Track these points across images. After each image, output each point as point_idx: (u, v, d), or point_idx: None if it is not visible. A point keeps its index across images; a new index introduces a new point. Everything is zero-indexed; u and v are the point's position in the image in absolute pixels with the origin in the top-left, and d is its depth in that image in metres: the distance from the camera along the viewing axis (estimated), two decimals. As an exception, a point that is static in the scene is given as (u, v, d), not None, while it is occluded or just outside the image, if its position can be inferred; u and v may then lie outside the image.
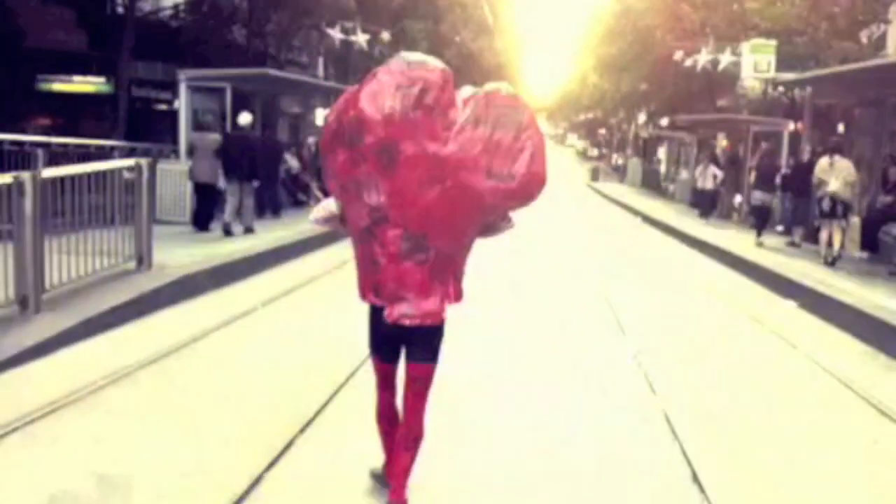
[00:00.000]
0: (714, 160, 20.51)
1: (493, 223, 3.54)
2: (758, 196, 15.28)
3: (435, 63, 3.34)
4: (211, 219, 12.37)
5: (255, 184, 12.52)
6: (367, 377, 3.89)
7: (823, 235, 12.01)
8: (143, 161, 8.34)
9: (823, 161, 12.05)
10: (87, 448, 4.42)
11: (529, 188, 3.33)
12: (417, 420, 3.55)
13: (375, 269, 3.38)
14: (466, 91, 3.40)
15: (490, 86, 3.41)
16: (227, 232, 11.78)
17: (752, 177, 16.03)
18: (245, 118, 12.36)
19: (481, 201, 3.29)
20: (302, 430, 4.73)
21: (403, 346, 3.56)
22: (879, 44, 22.58)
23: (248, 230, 12.20)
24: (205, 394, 5.44)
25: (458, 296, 3.50)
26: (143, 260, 8.37)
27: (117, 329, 6.72)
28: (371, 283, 3.43)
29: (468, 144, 3.22)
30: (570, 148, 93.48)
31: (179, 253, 9.59)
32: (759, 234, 14.61)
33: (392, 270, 3.34)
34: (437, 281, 3.38)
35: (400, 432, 3.58)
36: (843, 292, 9.23)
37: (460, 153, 3.22)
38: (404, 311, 3.37)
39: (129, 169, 8.26)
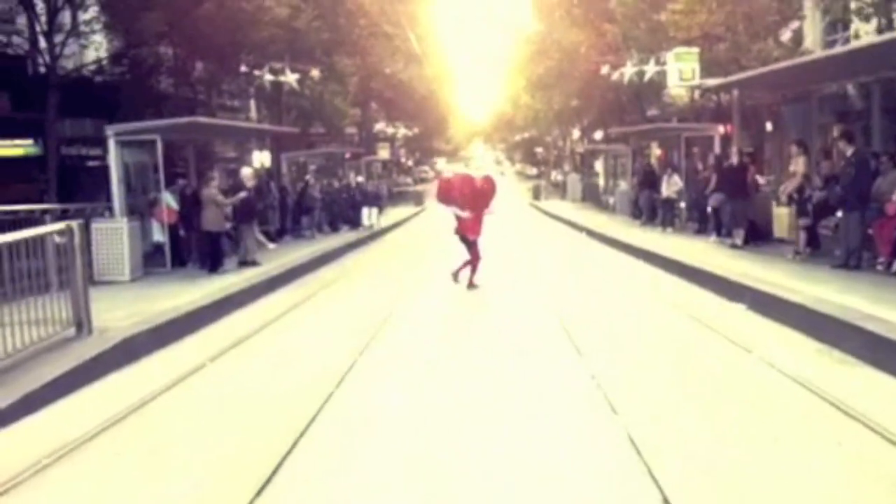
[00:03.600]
0: (674, 169, 20.73)
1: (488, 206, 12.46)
2: (716, 198, 15.68)
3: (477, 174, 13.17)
4: (220, 262, 13.80)
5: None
6: (318, 442, 3.71)
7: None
8: (74, 224, 8.08)
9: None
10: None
11: (494, 192, 12.63)
12: (476, 255, 12.21)
13: (460, 223, 12.21)
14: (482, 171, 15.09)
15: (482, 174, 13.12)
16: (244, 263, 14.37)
17: (712, 181, 16.32)
18: (245, 171, 15.51)
19: (487, 198, 12.30)
20: (259, 493, 4.57)
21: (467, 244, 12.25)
22: (797, 40, 23.28)
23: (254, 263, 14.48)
24: (152, 464, 5.21)
25: (480, 231, 12.35)
26: (82, 325, 8.10)
27: (59, 402, 6.45)
28: (459, 227, 12.29)
29: (486, 186, 12.42)
30: (508, 171, 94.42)
31: (121, 313, 9.31)
32: (728, 235, 15.01)
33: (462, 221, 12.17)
34: (477, 224, 12.21)
35: (471, 260, 12.19)
36: (790, 290, 9.35)
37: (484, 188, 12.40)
38: (464, 231, 12.20)
39: (60, 233, 8.00)
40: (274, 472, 4.86)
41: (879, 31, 15.55)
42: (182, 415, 6.31)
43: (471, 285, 12.24)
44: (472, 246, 12.25)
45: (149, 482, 4.87)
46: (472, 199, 12.23)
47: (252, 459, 5.12)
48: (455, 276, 12.37)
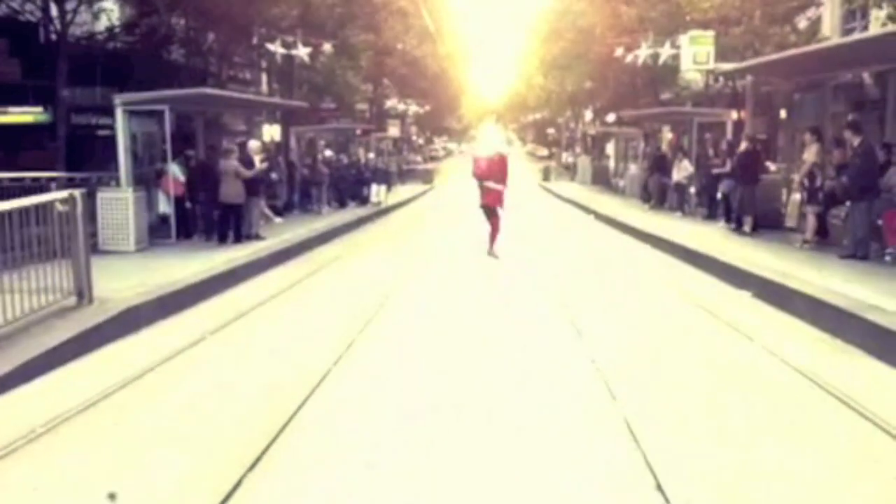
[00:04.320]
0: (685, 153, 20.56)
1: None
2: (726, 184, 15.75)
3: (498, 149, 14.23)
4: (232, 232, 14.03)
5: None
6: (318, 411, 3.67)
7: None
8: (77, 192, 8.04)
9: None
10: (25, 499, 4.25)
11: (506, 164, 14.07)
12: (496, 226, 13.84)
13: (482, 191, 13.80)
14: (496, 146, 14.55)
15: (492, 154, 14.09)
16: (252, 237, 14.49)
17: (727, 166, 16.19)
18: (253, 143, 15.40)
19: (504, 168, 13.82)
20: (251, 468, 4.56)
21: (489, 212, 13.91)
22: (814, 27, 23.02)
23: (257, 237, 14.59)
24: (148, 436, 5.20)
25: (502, 200, 13.93)
26: (83, 295, 8.09)
27: (56, 371, 6.45)
28: (482, 196, 13.83)
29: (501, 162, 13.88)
30: (521, 150, 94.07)
31: (123, 284, 9.31)
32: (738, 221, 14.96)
33: (485, 190, 13.74)
34: (496, 194, 13.79)
35: (492, 229, 13.79)
36: (796, 279, 9.27)
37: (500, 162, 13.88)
38: (487, 202, 13.79)
39: (63, 201, 7.97)
40: (265, 450, 4.85)
41: (890, 17, 15.29)
42: (178, 387, 6.30)
43: (490, 253, 13.72)
44: (494, 216, 13.88)
45: (144, 452, 4.87)
46: (492, 172, 13.75)
47: (247, 435, 5.11)
48: (490, 251, 13.79)
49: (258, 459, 4.68)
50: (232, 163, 13.87)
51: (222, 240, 13.86)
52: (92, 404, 5.72)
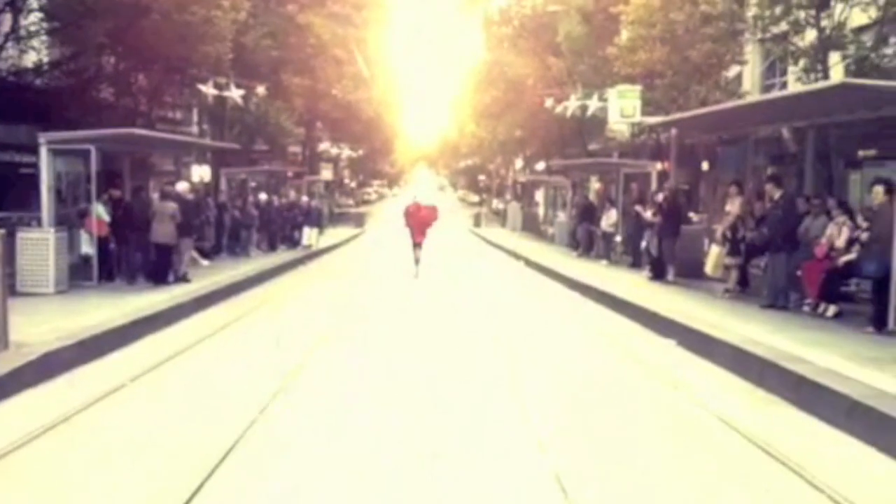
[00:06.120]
0: (612, 203, 20.98)
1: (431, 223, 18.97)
2: (650, 234, 16.05)
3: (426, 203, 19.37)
4: (167, 273, 14.16)
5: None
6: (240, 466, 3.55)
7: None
8: (-4, 233, 7.79)
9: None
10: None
11: (436, 214, 19.02)
12: (419, 251, 18.90)
13: (414, 234, 18.72)
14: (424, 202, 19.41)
15: (426, 204, 19.13)
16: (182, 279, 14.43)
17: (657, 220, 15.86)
18: (181, 185, 15.73)
19: (433, 217, 18.74)
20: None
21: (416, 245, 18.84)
22: (736, 83, 23.91)
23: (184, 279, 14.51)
24: (63, 486, 4.99)
25: (424, 239, 19.04)
26: (-2, 339, 7.78)
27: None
28: (413, 235, 18.77)
29: (428, 213, 18.70)
30: (452, 196, 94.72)
31: (42, 328, 8.98)
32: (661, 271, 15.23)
33: (416, 232, 18.68)
34: (422, 234, 18.82)
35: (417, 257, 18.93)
36: (719, 329, 9.49)
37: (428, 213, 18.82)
38: (418, 240, 18.66)
39: (-20, 242, 7.69)
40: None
41: (805, 70, 15.97)
42: (97, 435, 6.06)
43: (415, 275, 18.24)
44: (418, 246, 18.88)
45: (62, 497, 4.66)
46: (420, 220, 18.77)
47: (169, 483, 4.94)
48: (415, 276, 18.24)
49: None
50: (171, 204, 14.11)
51: (162, 280, 13.98)
52: (2, 455, 5.46)
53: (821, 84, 13.48)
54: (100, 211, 14.14)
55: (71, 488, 4.96)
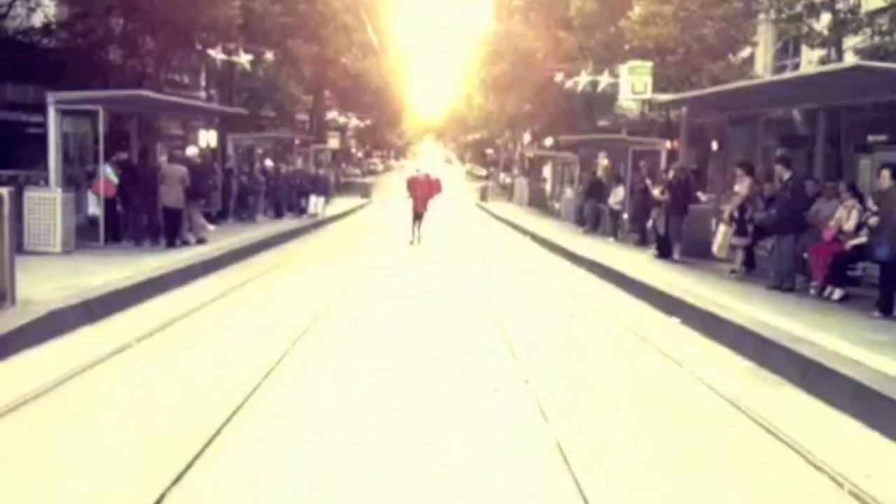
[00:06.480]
0: (619, 180, 20.92)
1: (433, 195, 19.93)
2: (657, 211, 15.92)
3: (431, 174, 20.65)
4: (176, 236, 14.24)
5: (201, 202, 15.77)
6: (245, 430, 3.76)
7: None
8: (3, 190, 7.79)
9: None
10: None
11: (440, 187, 20.21)
12: (420, 223, 19.57)
13: (416, 203, 19.49)
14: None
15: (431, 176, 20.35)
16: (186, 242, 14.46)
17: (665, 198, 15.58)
18: (191, 150, 16.11)
19: (437, 189, 19.94)
20: (174, 483, 4.43)
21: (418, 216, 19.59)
22: (748, 64, 23.75)
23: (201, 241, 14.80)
24: (67, 445, 5.02)
25: (426, 209, 19.78)
26: (5, 296, 7.81)
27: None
28: (416, 205, 19.52)
29: (433, 184, 19.89)
30: (460, 169, 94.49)
31: (48, 286, 9.01)
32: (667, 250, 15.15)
33: (419, 203, 19.47)
34: (424, 205, 19.56)
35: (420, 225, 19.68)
36: (723, 308, 9.49)
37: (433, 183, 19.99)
38: (420, 210, 19.37)
39: (-12, 199, 7.70)
40: (187, 467, 4.74)
41: (822, 62, 15.92)
42: (102, 393, 6.10)
43: (418, 241, 19.37)
44: (420, 218, 19.56)
45: (61, 461, 4.69)
46: (423, 191, 19.60)
47: (168, 450, 4.97)
48: (411, 242, 19.31)
49: (179, 476, 4.51)
50: (180, 168, 14.19)
51: (171, 244, 14.06)
52: (11, 409, 5.50)
53: (834, 65, 13.38)
54: (108, 173, 14.13)
55: (66, 448, 5.00)
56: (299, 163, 29.57)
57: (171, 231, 14.27)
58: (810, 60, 17.65)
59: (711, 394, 6.76)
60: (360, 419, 5.67)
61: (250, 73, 28.27)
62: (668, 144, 21.08)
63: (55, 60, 19.31)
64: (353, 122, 60.83)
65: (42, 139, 13.91)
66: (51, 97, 13.42)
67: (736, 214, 12.98)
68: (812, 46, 16.48)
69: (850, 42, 15.81)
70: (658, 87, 23.04)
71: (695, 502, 4.55)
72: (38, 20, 20.85)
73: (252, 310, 10.21)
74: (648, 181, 17.61)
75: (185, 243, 14.37)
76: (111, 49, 22.80)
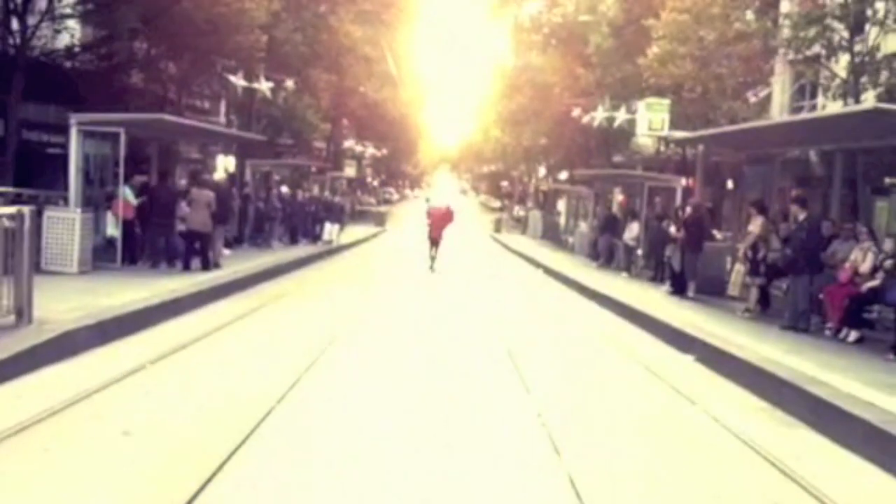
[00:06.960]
0: (634, 216, 20.97)
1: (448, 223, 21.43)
2: (671, 248, 16.01)
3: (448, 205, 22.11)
4: (193, 260, 14.28)
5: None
6: (256, 455, 3.72)
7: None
8: (25, 209, 7.88)
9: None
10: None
11: (452, 217, 21.64)
12: (436, 248, 20.94)
13: (432, 230, 20.92)
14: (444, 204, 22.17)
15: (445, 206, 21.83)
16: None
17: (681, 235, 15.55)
18: (218, 175, 16.84)
19: (450, 219, 21.30)
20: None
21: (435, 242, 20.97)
22: (765, 104, 23.79)
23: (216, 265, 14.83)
24: (79, 465, 5.03)
25: (442, 236, 21.22)
26: (22, 314, 7.87)
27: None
28: (432, 232, 20.88)
29: (448, 214, 21.23)
30: (474, 200, 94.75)
31: (64, 305, 9.07)
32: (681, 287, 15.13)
33: (435, 230, 20.87)
34: (441, 232, 20.96)
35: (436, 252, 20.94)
36: (738, 347, 9.44)
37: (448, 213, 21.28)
38: (435, 237, 20.70)
39: (10, 217, 7.78)
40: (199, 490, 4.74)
41: (837, 96, 15.93)
42: (114, 415, 6.11)
43: (432, 271, 20.21)
44: (436, 244, 20.88)
45: (73, 482, 4.70)
46: (440, 218, 21.04)
47: (182, 470, 4.98)
48: (431, 268, 20.44)
49: (190, 501, 4.49)
50: (207, 192, 14.39)
51: (186, 267, 14.11)
52: (24, 428, 5.52)
53: (852, 107, 13.40)
54: (128, 194, 14.26)
55: (78, 468, 5.01)
56: (315, 190, 29.76)
57: (189, 254, 14.34)
58: (825, 104, 17.67)
59: (725, 433, 6.71)
60: (372, 454, 5.62)
61: (270, 101, 28.54)
62: (683, 181, 21.10)
63: (77, 83, 19.57)
64: (370, 150, 61.20)
65: (62, 160, 14.08)
66: (74, 119, 13.60)
67: (749, 253, 12.97)
68: (832, 97, 16.48)
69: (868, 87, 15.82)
70: (675, 124, 23.11)
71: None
72: (62, 43, 21.19)
73: (267, 335, 10.24)
74: (666, 222, 17.60)
75: (217, 266, 14.71)
76: (133, 73, 23.12)
